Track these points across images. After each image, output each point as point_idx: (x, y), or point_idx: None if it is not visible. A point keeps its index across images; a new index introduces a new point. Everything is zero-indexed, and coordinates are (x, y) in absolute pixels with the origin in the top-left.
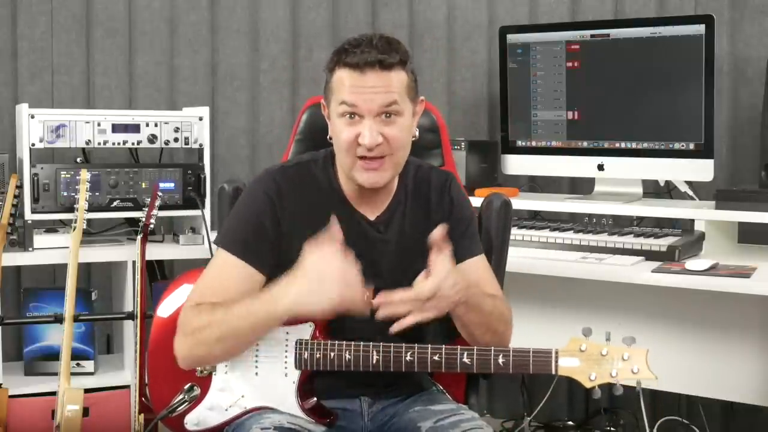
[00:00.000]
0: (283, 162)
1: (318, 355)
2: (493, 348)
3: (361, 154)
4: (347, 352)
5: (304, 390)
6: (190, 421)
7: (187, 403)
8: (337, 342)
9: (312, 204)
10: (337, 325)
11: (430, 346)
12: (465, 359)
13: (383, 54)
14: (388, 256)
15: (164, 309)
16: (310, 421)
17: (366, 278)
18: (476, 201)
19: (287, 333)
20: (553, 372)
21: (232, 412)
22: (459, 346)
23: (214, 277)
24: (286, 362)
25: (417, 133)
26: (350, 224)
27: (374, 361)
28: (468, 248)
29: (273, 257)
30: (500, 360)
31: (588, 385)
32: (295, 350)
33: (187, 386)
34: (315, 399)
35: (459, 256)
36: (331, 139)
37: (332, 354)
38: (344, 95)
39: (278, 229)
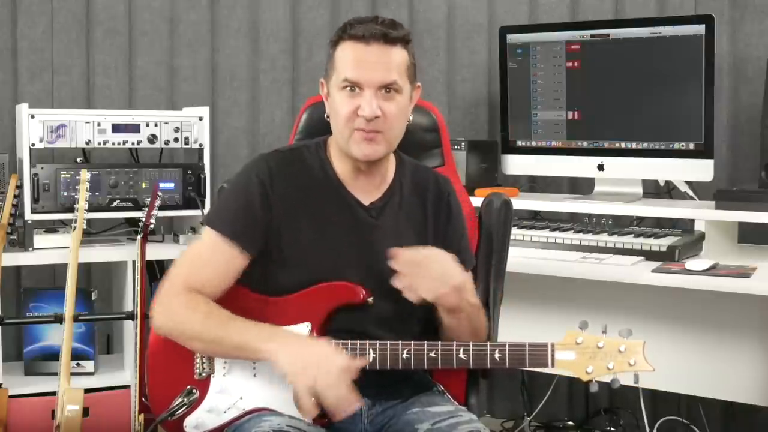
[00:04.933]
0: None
1: None
2: (489, 343)
3: (358, 126)
4: (344, 351)
5: None
6: (189, 424)
7: (186, 406)
8: (333, 341)
9: (304, 188)
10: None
11: (426, 342)
12: (461, 355)
13: (388, 29)
14: (380, 242)
15: None
16: (309, 423)
17: (360, 265)
18: (476, 201)
19: None
20: (550, 365)
21: (231, 414)
22: (455, 342)
23: (198, 255)
24: None
25: (411, 118)
26: (342, 208)
27: (371, 359)
28: (461, 262)
29: (261, 239)
30: (496, 355)
31: (585, 378)
32: None
33: (186, 389)
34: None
35: None
36: (328, 117)
37: None
38: (348, 68)
39: (268, 212)
